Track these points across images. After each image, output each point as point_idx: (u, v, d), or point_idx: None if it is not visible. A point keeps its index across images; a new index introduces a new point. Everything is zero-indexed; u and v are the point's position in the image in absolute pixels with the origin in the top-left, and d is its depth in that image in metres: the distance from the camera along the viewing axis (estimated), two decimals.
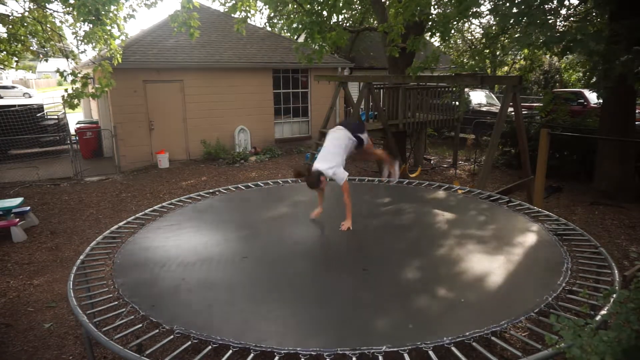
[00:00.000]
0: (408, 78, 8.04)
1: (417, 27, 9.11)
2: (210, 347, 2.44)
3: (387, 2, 10.26)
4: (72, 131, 12.41)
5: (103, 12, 6.63)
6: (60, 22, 9.59)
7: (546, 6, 6.10)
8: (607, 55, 5.94)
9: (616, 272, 3.15)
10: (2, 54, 9.21)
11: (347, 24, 16.79)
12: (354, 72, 15.47)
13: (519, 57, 17.66)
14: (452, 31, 9.99)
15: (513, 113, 7.73)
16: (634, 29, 5.84)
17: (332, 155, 3.81)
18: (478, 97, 14.92)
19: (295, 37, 12.85)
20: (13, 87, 34.53)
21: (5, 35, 9.02)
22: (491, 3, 7.94)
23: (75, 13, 6.65)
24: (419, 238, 4.14)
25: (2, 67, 9.92)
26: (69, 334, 4.27)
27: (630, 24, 5.86)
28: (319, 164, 3.83)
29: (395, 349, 2.36)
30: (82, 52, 9.47)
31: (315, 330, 2.64)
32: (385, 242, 4.00)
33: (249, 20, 10.74)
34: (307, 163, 9.15)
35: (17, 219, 6.84)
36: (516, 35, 7.55)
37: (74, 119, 14.44)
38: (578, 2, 8.46)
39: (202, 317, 2.75)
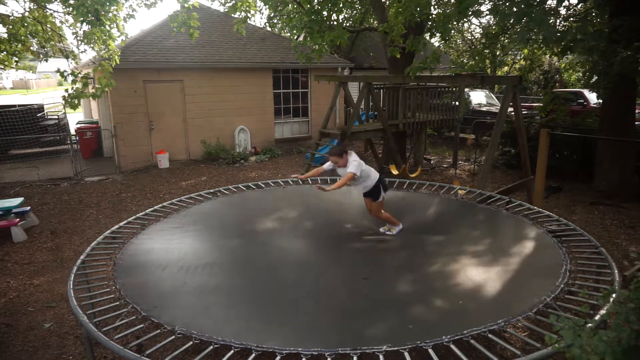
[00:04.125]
0: (408, 78, 8.03)
1: (417, 27, 9.11)
2: (211, 347, 2.44)
3: (387, 2, 10.26)
4: (72, 131, 12.41)
5: (102, 13, 6.63)
6: (60, 22, 9.60)
7: (546, 6, 6.10)
8: (607, 52, 5.94)
9: (616, 272, 3.15)
10: (2, 54, 9.20)
11: (347, 24, 16.78)
12: (354, 72, 15.47)
13: (519, 57, 17.66)
14: (452, 31, 9.99)
15: (513, 113, 7.74)
16: (633, 28, 5.84)
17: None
18: (478, 97, 14.93)
19: (295, 37, 12.86)
20: None
21: (5, 35, 9.02)
22: (491, 3, 7.93)
23: (74, 13, 6.65)
24: (418, 239, 4.13)
25: (2, 67, 9.92)
26: (69, 334, 4.27)
27: (630, 23, 5.86)
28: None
29: (395, 348, 2.36)
30: (82, 52, 9.47)
31: (316, 332, 2.64)
32: (386, 244, 4.00)
33: (249, 21, 10.75)
34: (307, 163, 9.19)
35: (17, 219, 6.84)
36: (515, 34, 7.55)
37: (74, 119, 14.44)
38: (578, 1, 8.45)
39: (203, 319, 2.76)
